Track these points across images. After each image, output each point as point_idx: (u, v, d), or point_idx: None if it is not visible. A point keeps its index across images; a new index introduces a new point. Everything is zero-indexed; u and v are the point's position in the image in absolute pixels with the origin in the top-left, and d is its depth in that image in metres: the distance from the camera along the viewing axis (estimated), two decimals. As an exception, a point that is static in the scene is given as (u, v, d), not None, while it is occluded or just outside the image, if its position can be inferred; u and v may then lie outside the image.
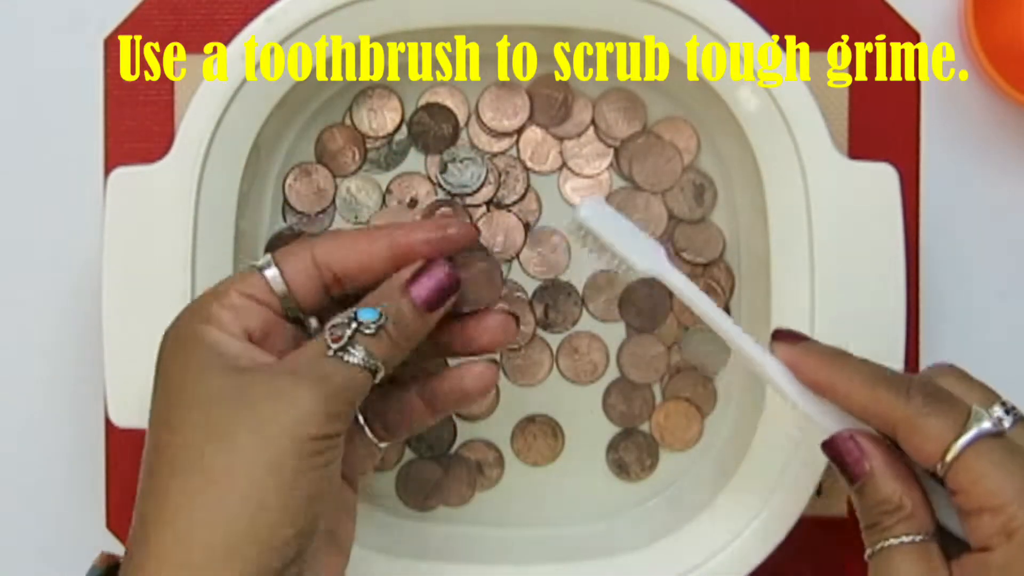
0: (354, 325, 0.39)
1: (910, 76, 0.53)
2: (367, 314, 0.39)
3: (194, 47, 0.53)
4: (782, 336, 0.42)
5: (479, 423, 0.53)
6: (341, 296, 0.42)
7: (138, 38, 0.53)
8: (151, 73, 0.53)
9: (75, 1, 0.54)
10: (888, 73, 0.53)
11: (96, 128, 0.54)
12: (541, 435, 0.53)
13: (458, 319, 0.43)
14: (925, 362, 0.53)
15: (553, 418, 0.53)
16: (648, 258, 0.43)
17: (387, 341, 0.39)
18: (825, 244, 0.47)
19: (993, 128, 0.55)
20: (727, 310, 0.53)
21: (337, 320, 0.39)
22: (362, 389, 0.39)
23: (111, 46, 0.53)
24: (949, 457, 0.37)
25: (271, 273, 0.41)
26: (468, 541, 0.52)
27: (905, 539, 0.38)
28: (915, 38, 0.53)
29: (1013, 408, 0.39)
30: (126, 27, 0.53)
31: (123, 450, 0.54)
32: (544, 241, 0.53)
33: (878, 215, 0.47)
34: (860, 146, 0.53)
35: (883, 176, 0.47)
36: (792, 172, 0.48)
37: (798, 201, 0.48)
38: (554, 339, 0.53)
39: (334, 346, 0.38)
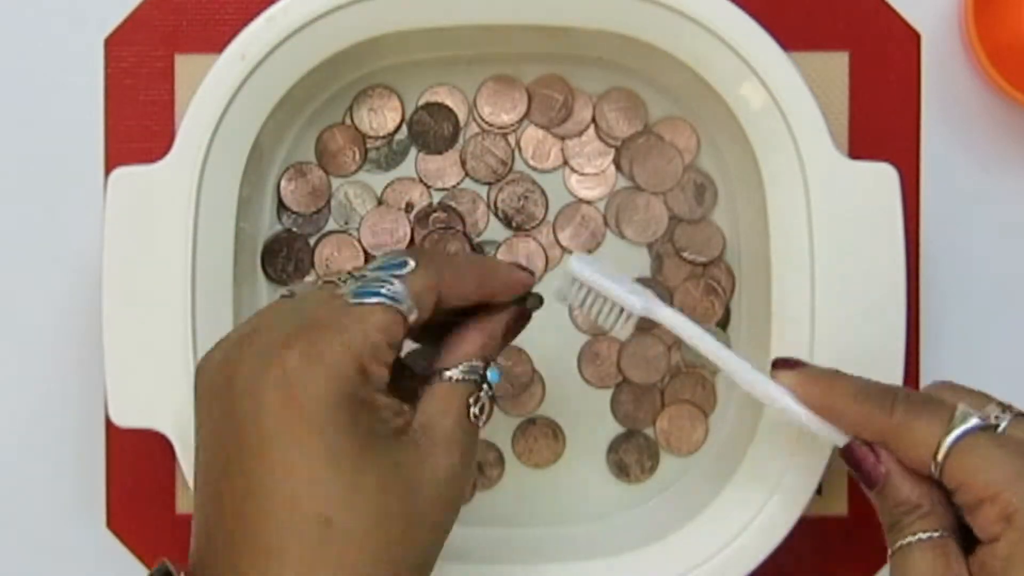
0: (486, 392, 0.41)
1: (910, 76, 0.54)
2: (495, 376, 0.42)
3: (194, 47, 0.53)
4: (782, 364, 0.43)
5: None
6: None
7: (138, 38, 0.53)
8: (151, 73, 0.53)
9: (75, 1, 0.54)
10: (888, 73, 0.53)
11: (96, 128, 0.54)
12: (542, 437, 0.53)
13: None
14: (925, 363, 0.53)
15: (554, 420, 0.53)
16: (642, 299, 0.44)
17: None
18: (825, 244, 0.47)
19: (993, 128, 0.55)
20: (727, 310, 0.53)
21: (466, 372, 0.41)
22: None
23: (111, 46, 0.53)
24: (940, 458, 0.38)
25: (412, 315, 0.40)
26: (468, 541, 0.52)
27: (923, 536, 0.39)
28: (915, 38, 0.54)
29: (1009, 407, 0.40)
30: (126, 27, 0.53)
31: (123, 450, 0.54)
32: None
33: (878, 215, 0.47)
34: (860, 146, 0.53)
35: (883, 176, 0.47)
36: (792, 172, 0.48)
37: (798, 201, 0.48)
38: (558, 347, 0.53)
39: (481, 416, 0.41)
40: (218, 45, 0.48)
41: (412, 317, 0.39)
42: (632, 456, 0.53)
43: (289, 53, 0.48)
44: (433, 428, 0.39)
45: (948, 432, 0.38)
